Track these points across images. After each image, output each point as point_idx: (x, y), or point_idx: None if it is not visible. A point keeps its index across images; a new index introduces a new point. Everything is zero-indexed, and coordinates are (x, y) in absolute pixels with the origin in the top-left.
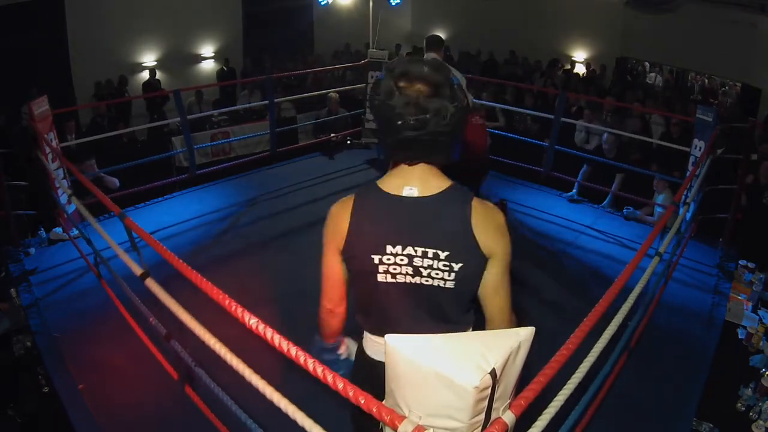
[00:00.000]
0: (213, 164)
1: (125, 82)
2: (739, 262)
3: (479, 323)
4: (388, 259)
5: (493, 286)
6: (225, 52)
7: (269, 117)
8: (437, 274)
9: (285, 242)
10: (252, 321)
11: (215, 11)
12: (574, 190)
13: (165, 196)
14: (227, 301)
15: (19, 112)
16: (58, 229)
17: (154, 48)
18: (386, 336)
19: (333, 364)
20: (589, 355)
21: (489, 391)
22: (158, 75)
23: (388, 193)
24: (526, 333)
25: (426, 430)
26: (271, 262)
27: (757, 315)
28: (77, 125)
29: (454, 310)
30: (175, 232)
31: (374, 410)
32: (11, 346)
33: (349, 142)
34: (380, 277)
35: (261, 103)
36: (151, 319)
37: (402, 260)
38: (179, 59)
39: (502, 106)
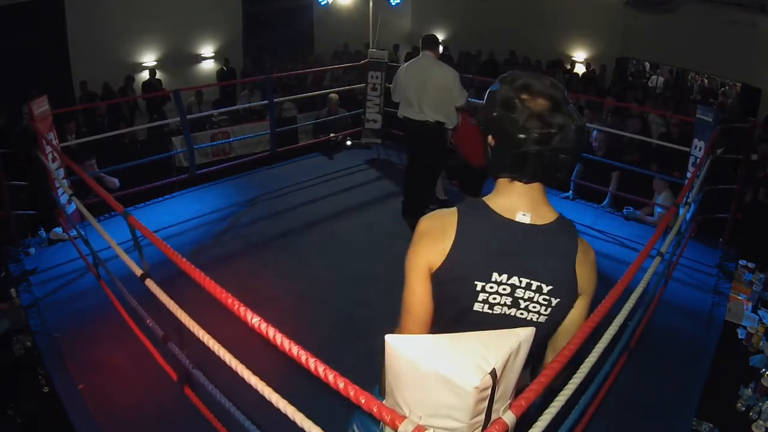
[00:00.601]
0: (213, 164)
1: (132, 82)
2: (739, 262)
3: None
4: (491, 288)
5: (574, 323)
6: (225, 52)
7: (269, 117)
8: (534, 307)
9: (285, 242)
10: (254, 320)
11: (215, 11)
12: (570, 191)
13: (165, 196)
14: (230, 300)
15: (19, 112)
16: (58, 229)
17: (154, 48)
18: (386, 336)
19: None
20: (590, 355)
21: (489, 391)
22: (158, 75)
23: (500, 216)
24: (526, 333)
25: (426, 430)
26: (271, 262)
27: (757, 315)
28: (78, 125)
29: (538, 347)
30: (175, 232)
31: (375, 410)
32: (11, 346)
33: (349, 142)
34: (477, 306)
35: (261, 103)
36: (148, 321)
37: (504, 290)
38: (179, 59)
39: None
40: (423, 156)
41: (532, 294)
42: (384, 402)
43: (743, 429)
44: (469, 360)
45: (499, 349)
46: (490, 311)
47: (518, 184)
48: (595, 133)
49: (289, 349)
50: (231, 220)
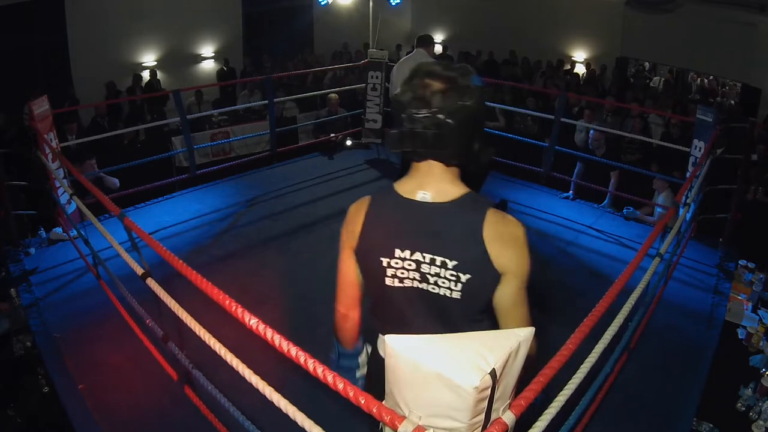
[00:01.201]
0: (213, 164)
1: (139, 80)
2: (739, 262)
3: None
4: (396, 263)
5: (507, 306)
6: (225, 52)
7: (269, 117)
8: (444, 283)
9: (285, 243)
10: (252, 321)
11: (215, 11)
12: (571, 191)
13: (165, 196)
14: (227, 302)
15: (19, 112)
16: (58, 229)
17: (154, 48)
18: (386, 336)
19: (350, 371)
20: (590, 355)
21: (489, 391)
22: (158, 75)
23: (402, 196)
24: (526, 333)
25: (426, 430)
26: (271, 263)
27: (757, 315)
28: (78, 126)
29: (462, 320)
30: (175, 232)
31: (374, 410)
32: (11, 346)
33: (349, 142)
34: (388, 281)
35: (261, 103)
36: (148, 321)
37: (410, 265)
38: (179, 59)
39: (502, 106)
40: None
41: (437, 269)
42: (384, 402)
43: (743, 429)
44: (468, 360)
45: (498, 349)
46: (402, 284)
47: (419, 165)
48: (592, 132)
49: (288, 350)
50: (231, 220)
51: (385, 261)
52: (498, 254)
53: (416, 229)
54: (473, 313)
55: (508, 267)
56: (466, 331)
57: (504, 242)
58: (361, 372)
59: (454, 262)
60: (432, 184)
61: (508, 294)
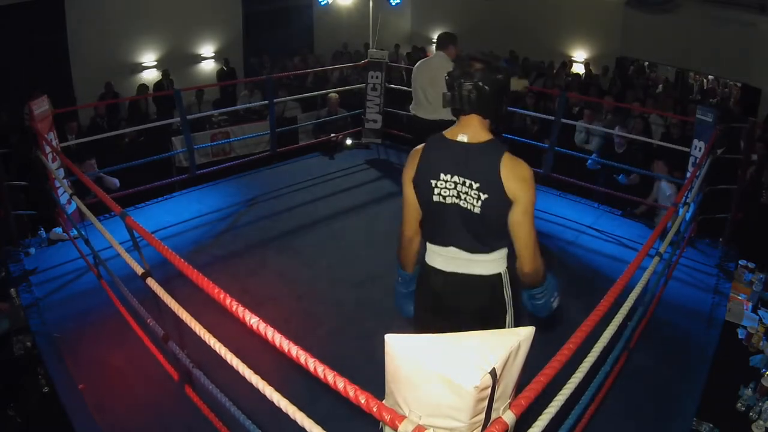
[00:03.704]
0: (213, 164)
1: (145, 90)
2: (739, 262)
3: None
4: (441, 184)
5: (516, 222)
6: (225, 52)
7: (269, 117)
8: (470, 199)
9: (285, 242)
10: (253, 320)
11: (215, 11)
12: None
13: (165, 196)
14: (228, 301)
15: (19, 112)
16: (58, 229)
17: (154, 48)
18: (386, 336)
19: (407, 297)
20: (590, 355)
21: (489, 390)
22: (158, 75)
23: (447, 138)
24: (526, 333)
25: (426, 430)
26: (271, 262)
27: (757, 315)
28: (78, 126)
29: (485, 232)
30: (175, 232)
31: (374, 410)
32: (11, 346)
33: (349, 142)
34: (435, 197)
35: (261, 103)
36: (148, 321)
37: (450, 186)
38: (179, 59)
39: None
40: None
41: (466, 189)
42: (384, 402)
43: (743, 429)
44: (469, 359)
45: (498, 349)
46: (444, 201)
47: (463, 118)
48: (617, 139)
49: (288, 350)
50: (231, 220)
51: (433, 182)
52: (508, 184)
53: (456, 160)
54: (492, 227)
55: (517, 196)
56: (487, 243)
57: (513, 176)
58: (410, 288)
59: (477, 184)
60: (470, 131)
61: (516, 215)
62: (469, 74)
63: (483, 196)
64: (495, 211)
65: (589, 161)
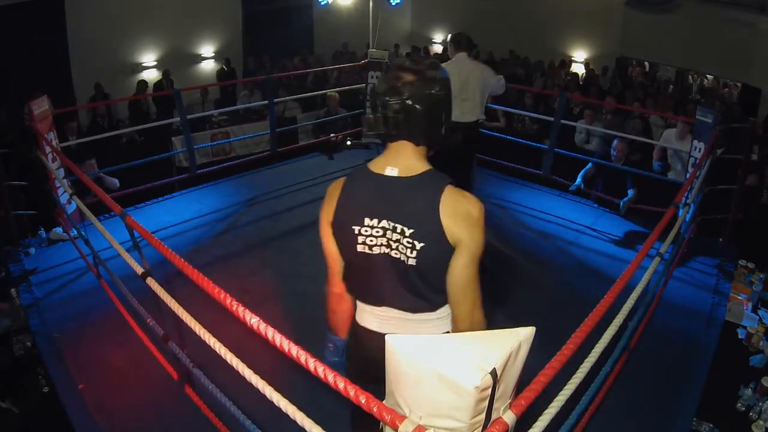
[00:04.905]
0: (213, 164)
1: (144, 86)
2: (739, 262)
3: None
4: (366, 231)
5: (457, 271)
6: (225, 52)
7: (269, 117)
8: (402, 249)
9: (285, 242)
10: (253, 320)
11: (215, 11)
12: (579, 181)
13: (165, 196)
14: (228, 300)
15: (19, 112)
16: (58, 229)
17: (154, 48)
18: (386, 336)
19: (340, 366)
20: (590, 355)
21: (489, 391)
22: (158, 75)
23: (372, 172)
24: (527, 333)
25: (426, 430)
26: (271, 263)
27: (757, 315)
28: (79, 126)
29: (423, 287)
30: (175, 232)
31: (374, 410)
32: (11, 346)
33: (349, 142)
34: (359, 248)
35: (261, 103)
36: (148, 321)
37: (377, 232)
38: (179, 59)
39: (503, 107)
40: (464, 155)
41: (398, 236)
42: (384, 402)
43: (743, 429)
44: (469, 360)
45: (499, 349)
46: (371, 251)
47: (391, 145)
48: (615, 141)
49: (288, 350)
50: (231, 220)
51: (356, 229)
52: (451, 228)
53: (383, 200)
54: (430, 281)
55: (460, 239)
56: (428, 298)
57: (458, 217)
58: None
59: (411, 230)
60: (400, 161)
61: (459, 266)
62: (396, 90)
63: (418, 245)
64: (434, 263)
65: (572, 187)
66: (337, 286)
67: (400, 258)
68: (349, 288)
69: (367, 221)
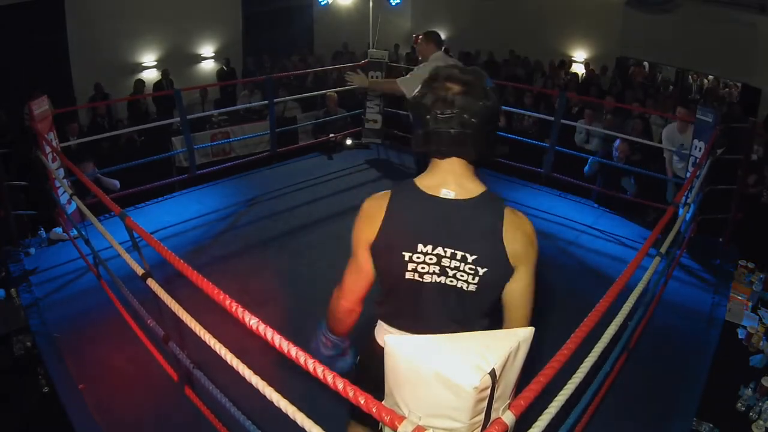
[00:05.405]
0: (213, 164)
1: (142, 85)
2: (739, 262)
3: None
4: (418, 258)
5: (520, 296)
6: (225, 52)
7: (269, 117)
8: (462, 276)
9: (285, 242)
10: (252, 321)
11: (215, 11)
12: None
13: (165, 196)
14: (228, 302)
15: (19, 112)
16: (58, 229)
17: (154, 48)
18: (386, 336)
19: (336, 360)
20: (590, 355)
21: (488, 391)
22: (158, 75)
23: (425, 192)
24: (526, 333)
25: (426, 430)
26: (271, 263)
27: (757, 315)
28: (79, 126)
29: (473, 314)
30: (175, 232)
31: (374, 410)
32: (11, 346)
33: (349, 142)
34: (408, 275)
35: (261, 103)
36: (148, 321)
37: (431, 259)
38: (179, 59)
39: (504, 107)
40: None
41: (457, 263)
42: (384, 402)
43: (743, 429)
44: (468, 360)
45: (498, 349)
46: (421, 279)
47: (441, 162)
48: (617, 142)
49: (288, 351)
50: (231, 220)
51: (407, 255)
52: (513, 248)
53: (440, 225)
54: (484, 306)
55: (522, 260)
56: (473, 324)
57: (518, 239)
58: (348, 361)
59: (474, 257)
60: (454, 181)
61: (520, 286)
62: (447, 101)
63: (481, 271)
64: (492, 287)
65: (587, 168)
66: (351, 301)
67: (457, 285)
68: (385, 312)
69: (420, 248)
